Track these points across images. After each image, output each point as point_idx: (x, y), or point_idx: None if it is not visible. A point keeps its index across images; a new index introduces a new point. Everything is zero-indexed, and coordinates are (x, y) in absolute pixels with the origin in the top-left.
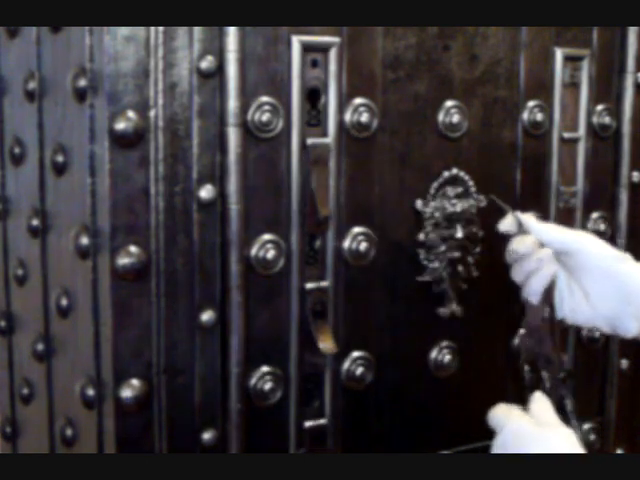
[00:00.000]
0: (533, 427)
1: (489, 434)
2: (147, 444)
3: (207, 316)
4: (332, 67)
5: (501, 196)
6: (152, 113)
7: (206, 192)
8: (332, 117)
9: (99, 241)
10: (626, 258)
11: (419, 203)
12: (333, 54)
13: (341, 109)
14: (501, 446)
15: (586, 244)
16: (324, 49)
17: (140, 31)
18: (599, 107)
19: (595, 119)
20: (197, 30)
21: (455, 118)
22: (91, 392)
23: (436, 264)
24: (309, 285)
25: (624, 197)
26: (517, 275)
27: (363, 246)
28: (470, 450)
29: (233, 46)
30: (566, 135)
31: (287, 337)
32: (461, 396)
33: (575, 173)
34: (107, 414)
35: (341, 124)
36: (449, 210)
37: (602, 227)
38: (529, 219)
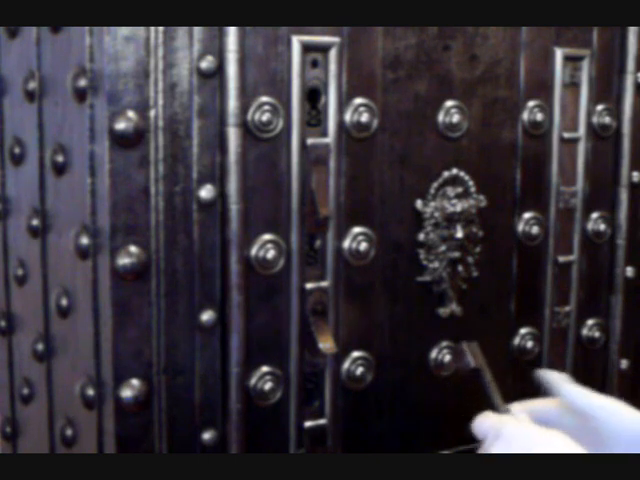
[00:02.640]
0: (532, 428)
1: None
2: (147, 444)
3: (207, 316)
4: (332, 67)
5: (501, 196)
6: (152, 113)
7: (206, 192)
8: (332, 117)
9: (99, 241)
10: None
11: (419, 203)
12: (333, 54)
13: (341, 109)
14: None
15: (617, 410)
16: (324, 49)
17: (140, 31)
18: (599, 107)
19: (595, 119)
20: (197, 30)
21: (455, 118)
22: (91, 392)
23: (436, 264)
24: (309, 285)
25: (624, 197)
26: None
27: (363, 246)
28: (470, 450)
29: (233, 46)
30: (566, 135)
31: (287, 337)
32: (461, 396)
33: (575, 173)
34: (107, 414)
35: (341, 124)
36: (449, 210)
37: (602, 227)
38: (559, 380)
